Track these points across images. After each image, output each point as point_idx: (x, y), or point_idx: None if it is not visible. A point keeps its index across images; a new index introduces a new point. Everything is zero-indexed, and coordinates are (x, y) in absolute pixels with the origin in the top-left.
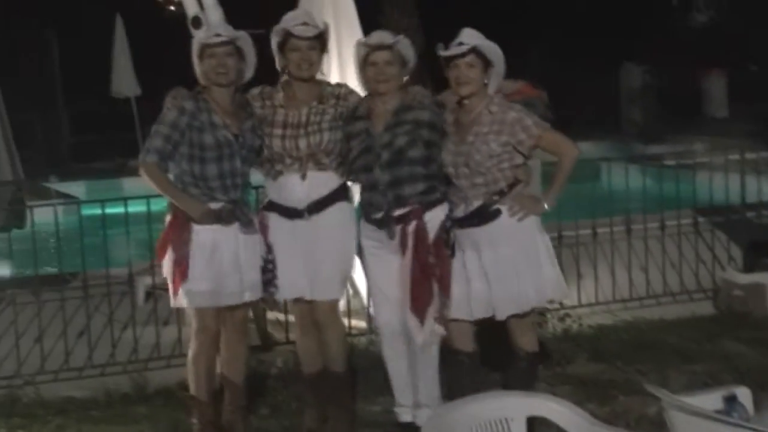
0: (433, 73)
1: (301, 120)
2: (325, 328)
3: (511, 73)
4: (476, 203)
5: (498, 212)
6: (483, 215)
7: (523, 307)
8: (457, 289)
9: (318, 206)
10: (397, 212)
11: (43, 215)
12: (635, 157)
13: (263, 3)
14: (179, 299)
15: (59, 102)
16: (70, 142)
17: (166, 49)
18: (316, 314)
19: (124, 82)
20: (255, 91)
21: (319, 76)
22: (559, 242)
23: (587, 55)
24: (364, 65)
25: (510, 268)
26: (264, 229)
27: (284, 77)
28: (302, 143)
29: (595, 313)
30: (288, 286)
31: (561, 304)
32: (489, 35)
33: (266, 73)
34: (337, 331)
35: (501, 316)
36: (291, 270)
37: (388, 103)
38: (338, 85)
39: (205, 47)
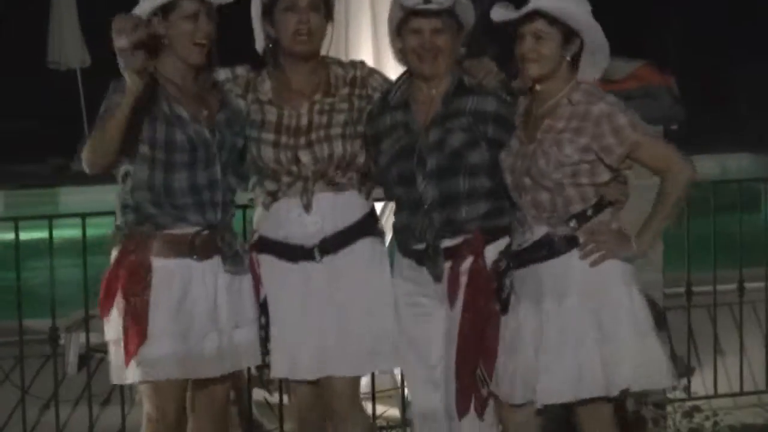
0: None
1: (300, 122)
2: (341, 419)
3: (627, 53)
4: (539, 231)
5: (572, 242)
6: (551, 246)
7: (581, 393)
8: (520, 359)
9: (335, 243)
10: (447, 243)
11: None
12: None
13: None
14: (131, 371)
15: None
16: None
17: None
18: (329, 398)
19: (67, 48)
20: (222, 75)
21: (323, 54)
22: (687, 300)
23: (743, 38)
24: (402, 33)
25: (570, 332)
26: (254, 279)
27: (274, 62)
28: (304, 156)
29: (739, 407)
30: (286, 362)
31: (688, 392)
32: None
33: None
34: (359, 424)
35: (543, 400)
36: (292, 337)
37: (438, 86)
38: (352, 64)
39: (178, 2)
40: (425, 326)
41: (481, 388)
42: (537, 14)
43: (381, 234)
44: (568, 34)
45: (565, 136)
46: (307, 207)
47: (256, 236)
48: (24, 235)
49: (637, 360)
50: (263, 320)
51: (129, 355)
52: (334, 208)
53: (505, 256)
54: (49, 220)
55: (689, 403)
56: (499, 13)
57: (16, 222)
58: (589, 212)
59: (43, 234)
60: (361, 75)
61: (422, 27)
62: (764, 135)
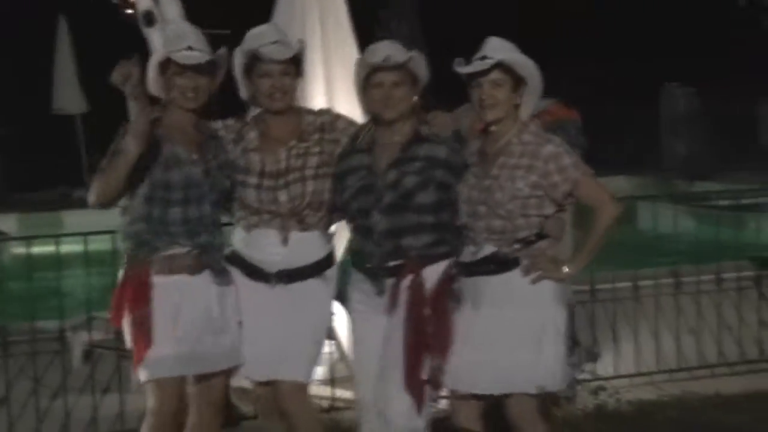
0: (436, 95)
1: (279, 167)
2: (288, 415)
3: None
4: (488, 249)
5: (515, 262)
6: (497, 262)
7: (504, 388)
8: (460, 353)
9: (293, 276)
10: (391, 263)
11: None
12: (679, 196)
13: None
14: (141, 372)
15: None
16: (3, 166)
17: (119, 57)
18: (278, 398)
19: (68, 96)
20: (218, 125)
21: (295, 104)
22: (592, 297)
23: (622, 76)
24: (366, 86)
25: (504, 336)
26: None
27: (254, 111)
28: (282, 196)
29: (635, 385)
30: (252, 363)
31: (594, 374)
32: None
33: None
34: (304, 419)
35: (478, 389)
36: (256, 343)
37: (397, 134)
38: (320, 112)
39: (171, 61)
40: (366, 329)
41: (438, 378)
42: (496, 65)
43: (331, 276)
44: (517, 81)
45: (518, 172)
46: (285, 241)
47: (229, 250)
48: (36, 251)
49: (557, 365)
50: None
51: (138, 359)
52: (299, 246)
53: (455, 266)
54: (56, 237)
55: (594, 383)
56: (463, 66)
57: (28, 240)
58: (532, 238)
59: (51, 250)
60: (330, 120)
61: (383, 80)
62: (632, 161)
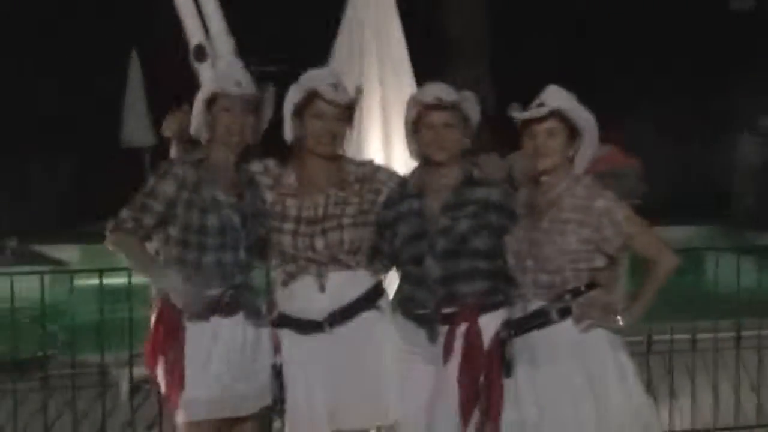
0: (503, 138)
1: (317, 213)
2: None
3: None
4: (537, 304)
5: (566, 313)
6: (546, 316)
7: None
8: (508, 415)
9: (342, 316)
10: (446, 310)
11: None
12: (748, 248)
13: (285, 35)
14: (180, 414)
15: (60, 145)
16: (74, 195)
17: (189, 94)
18: None
19: (137, 129)
20: (255, 167)
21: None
22: (648, 349)
23: (696, 118)
24: (417, 127)
25: (568, 390)
26: (275, 348)
27: (298, 154)
28: (319, 243)
29: None
30: (303, 421)
31: None
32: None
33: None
34: None
35: None
36: (308, 399)
37: (447, 176)
38: (362, 162)
39: (219, 97)
40: (411, 384)
41: None
42: (551, 113)
43: (385, 305)
44: (572, 131)
45: (569, 226)
46: (322, 288)
47: (276, 313)
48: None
49: (628, 419)
50: (277, 385)
51: (173, 402)
52: (342, 286)
53: (505, 327)
54: (100, 272)
55: None
56: (519, 113)
57: (71, 273)
58: (582, 288)
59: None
60: (371, 171)
61: (435, 121)
62: (699, 210)
